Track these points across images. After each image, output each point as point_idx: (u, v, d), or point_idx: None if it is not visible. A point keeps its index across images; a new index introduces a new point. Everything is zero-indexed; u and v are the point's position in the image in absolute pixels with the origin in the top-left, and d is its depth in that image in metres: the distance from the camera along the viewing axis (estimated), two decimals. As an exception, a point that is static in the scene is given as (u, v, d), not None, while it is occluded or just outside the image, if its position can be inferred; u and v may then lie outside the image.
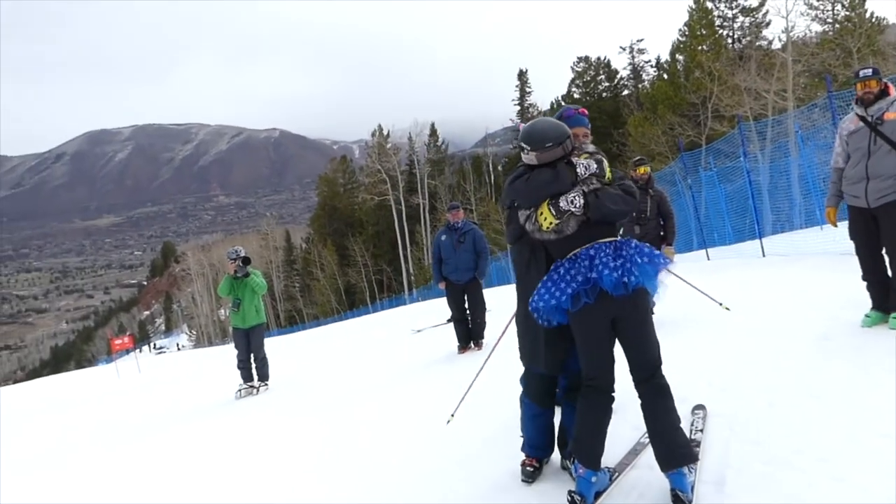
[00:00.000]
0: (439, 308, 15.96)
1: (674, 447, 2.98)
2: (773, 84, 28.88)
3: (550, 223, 3.04)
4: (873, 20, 35.09)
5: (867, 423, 3.38)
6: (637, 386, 3.11)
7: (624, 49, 56.43)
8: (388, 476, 4.20)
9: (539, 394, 3.53)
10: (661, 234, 7.61)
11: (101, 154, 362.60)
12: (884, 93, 4.88)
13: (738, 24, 41.09)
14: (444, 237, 8.51)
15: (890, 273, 5.00)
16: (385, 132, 65.00)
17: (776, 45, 36.84)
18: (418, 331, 13.10)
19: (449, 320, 9.84)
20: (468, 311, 8.49)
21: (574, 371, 3.39)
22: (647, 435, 3.38)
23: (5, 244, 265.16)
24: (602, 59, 57.41)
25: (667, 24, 52.59)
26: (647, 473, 3.30)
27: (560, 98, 56.98)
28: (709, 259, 15.19)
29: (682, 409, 3.16)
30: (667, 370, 3.12)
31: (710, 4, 40.71)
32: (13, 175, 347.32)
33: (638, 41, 57.07)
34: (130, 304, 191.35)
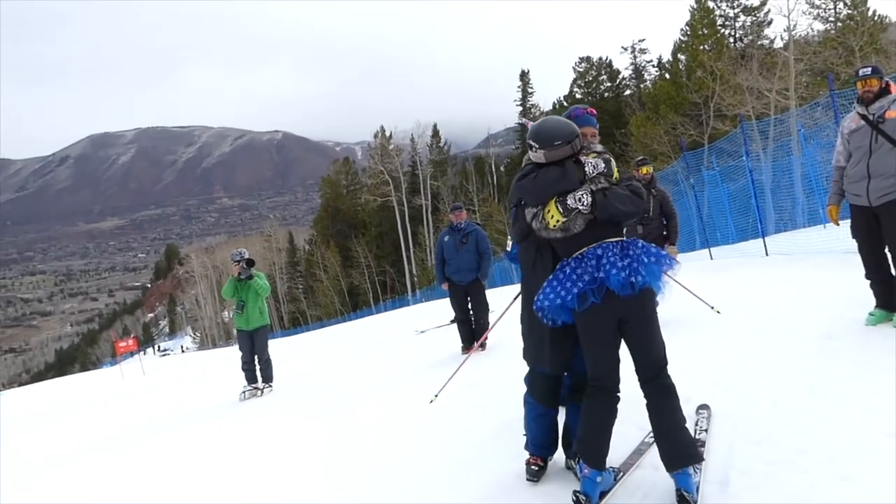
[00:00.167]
0: (442, 309, 15.97)
1: (679, 447, 2.98)
2: (776, 83, 28.85)
3: (557, 221, 3.03)
4: (875, 18, 35.05)
5: (872, 423, 3.37)
6: (642, 386, 3.11)
7: (626, 49, 56.51)
8: (392, 477, 4.21)
9: (543, 393, 3.52)
10: (664, 233, 7.61)
11: (104, 157, 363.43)
12: (885, 91, 4.87)
13: (740, 23, 41.10)
14: (447, 238, 8.50)
15: (893, 271, 4.99)
16: (388, 133, 65.12)
17: (778, 43, 36.86)
18: (422, 332, 13.10)
19: (452, 321, 9.85)
20: (471, 312, 8.49)
21: (579, 371, 3.39)
22: (651, 435, 3.37)
23: (10, 247, 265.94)
24: (604, 59, 57.43)
25: (668, 23, 52.63)
26: (652, 473, 3.30)
27: (562, 98, 56.94)
28: (712, 258, 15.17)
29: (687, 408, 3.15)
30: (671, 370, 3.12)
31: (711, 4, 40.69)
32: (17, 178, 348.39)
33: (640, 41, 57.30)
34: (134, 307, 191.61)
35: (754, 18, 40.45)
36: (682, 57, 42.85)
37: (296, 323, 74.06)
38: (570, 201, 3.00)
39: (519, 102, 62.21)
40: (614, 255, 2.99)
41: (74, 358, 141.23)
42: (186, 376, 18.14)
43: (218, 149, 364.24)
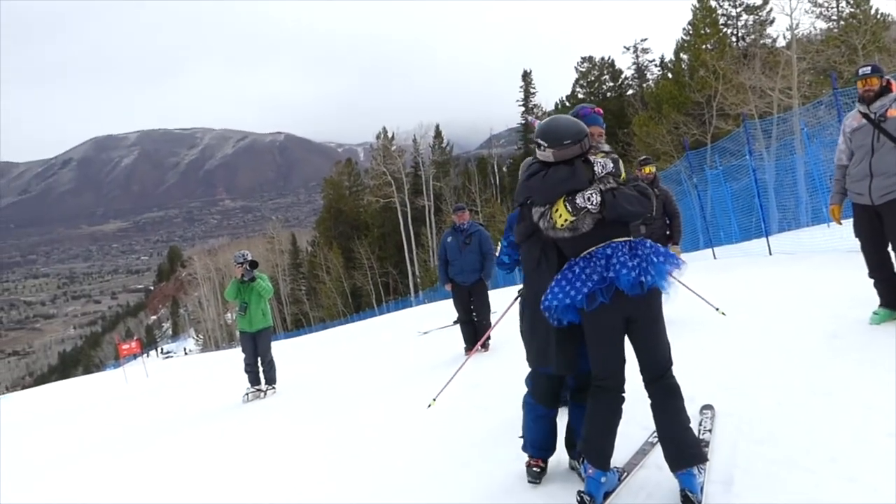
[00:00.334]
0: (445, 310, 15.98)
1: (683, 447, 2.98)
2: (778, 82, 28.82)
3: (566, 220, 3.01)
4: (878, 17, 34.98)
5: (876, 422, 3.36)
6: (647, 386, 3.10)
7: (628, 49, 56.50)
8: (395, 478, 4.21)
9: (545, 394, 3.51)
10: (668, 233, 7.60)
11: (107, 160, 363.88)
12: (886, 89, 4.87)
13: (743, 22, 41.06)
14: (449, 239, 8.51)
15: (897, 270, 4.99)
16: (390, 134, 65.14)
17: (781, 42, 36.88)
18: (424, 333, 13.10)
19: (455, 322, 9.85)
20: (474, 313, 8.49)
21: (583, 371, 3.37)
22: (655, 435, 3.37)
23: (13, 250, 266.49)
24: (606, 59, 57.43)
25: (671, 23, 52.59)
26: (656, 473, 3.30)
27: (565, 98, 56.93)
28: (715, 258, 15.16)
29: (691, 408, 3.14)
30: (675, 370, 3.11)
31: (713, 3, 40.69)
32: (20, 181, 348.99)
33: (642, 41, 57.06)
34: (137, 309, 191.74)
35: (757, 17, 40.42)
36: (684, 56, 42.84)
37: (299, 325, 74.09)
38: (579, 200, 2.98)
39: (521, 102, 62.22)
40: (624, 255, 2.98)
41: (77, 361, 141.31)
42: (190, 378, 18.17)
43: (220, 151, 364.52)
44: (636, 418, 3.71)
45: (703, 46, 39.23)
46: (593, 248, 3.06)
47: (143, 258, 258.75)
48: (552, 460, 3.63)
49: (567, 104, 53.65)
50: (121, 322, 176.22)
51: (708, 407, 4.02)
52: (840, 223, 5.45)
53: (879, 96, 4.86)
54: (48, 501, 5.67)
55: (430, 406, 4.89)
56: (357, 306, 64.28)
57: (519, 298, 4.13)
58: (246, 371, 9.11)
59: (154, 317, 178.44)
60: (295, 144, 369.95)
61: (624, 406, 3.19)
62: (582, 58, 57.53)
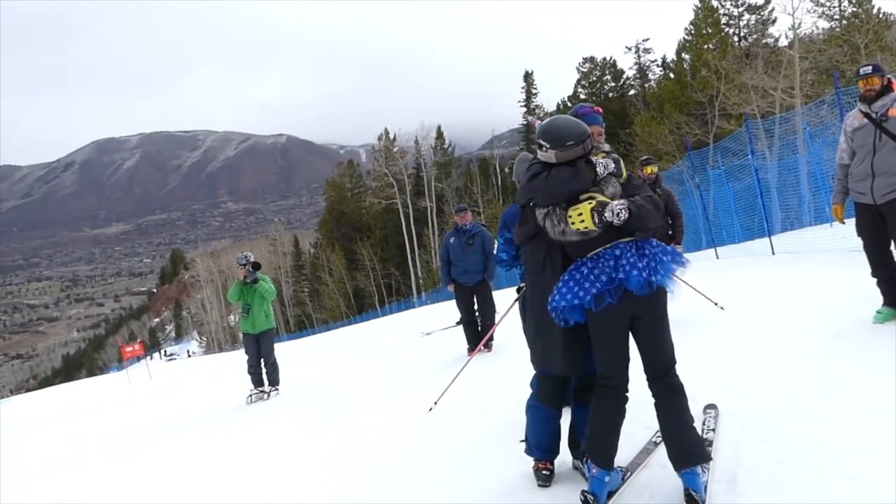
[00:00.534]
0: (448, 311, 15.97)
1: (687, 446, 2.98)
2: (781, 81, 28.74)
3: (587, 227, 2.95)
4: (880, 16, 34.92)
5: (880, 421, 3.36)
6: (651, 385, 3.10)
7: (630, 49, 56.40)
8: (397, 479, 4.21)
9: (550, 395, 3.50)
10: (670, 233, 7.60)
11: (109, 162, 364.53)
12: (887, 89, 4.86)
13: (745, 21, 40.97)
14: (452, 239, 8.51)
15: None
16: (391, 136, 65.09)
17: (783, 42, 36.77)
18: (427, 334, 13.10)
19: (458, 323, 9.85)
20: (477, 313, 8.49)
21: (587, 371, 3.37)
22: (659, 434, 3.37)
23: (16, 254, 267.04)
24: (608, 59, 57.39)
25: (672, 23, 52.57)
26: (660, 473, 3.30)
27: (566, 99, 56.90)
28: (718, 258, 15.14)
29: (694, 408, 3.15)
30: (678, 369, 3.11)
31: (715, 3, 40.58)
32: (23, 185, 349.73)
33: (644, 41, 56.87)
34: (141, 312, 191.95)
35: (758, 17, 40.34)
36: (686, 56, 42.74)
37: (301, 326, 74.15)
38: (607, 215, 2.92)
39: (523, 103, 62.17)
40: (633, 256, 2.97)
41: (81, 363, 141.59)
42: (193, 380, 18.20)
43: (222, 153, 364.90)
44: (640, 417, 3.70)
45: (705, 46, 39.13)
46: (600, 249, 3.05)
47: (146, 261, 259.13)
48: (556, 461, 3.63)
49: (569, 104, 53.55)
50: (124, 325, 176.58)
51: (711, 406, 4.02)
52: (843, 222, 5.45)
53: (881, 96, 4.86)
54: (51, 502, 5.68)
55: (430, 410, 4.88)
56: (360, 308, 64.26)
57: (519, 299, 4.13)
58: (249, 373, 9.13)
59: (157, 319, 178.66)
60: (297, 146, 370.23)
61: (627, 405, 3.19)
62: (584, 58, 57.53)
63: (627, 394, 3.17)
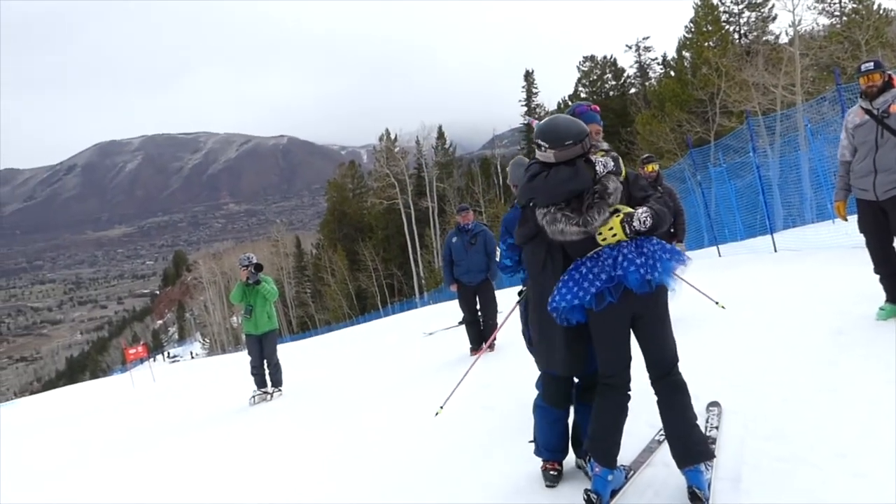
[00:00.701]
0: (450, 311, 15.97)
1: (690, 444, 2.98)
2: (781, 78, 28.71)
3: (619, 240, 2.99)
4: (881, 12, 34.87)
5: (884, 418, 3.36)
6: (654, 383, 3.10)
7: (630, 47, 56.39)
8: (402, 479, 4.22)
9: (556, 395, 3.49)
10: (672, 231, 7.59)
11: (111, 165, 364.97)
12: (888, 85, 4.86)
13: (745, 19, 40.94)
14: (454, 239, 8.52)
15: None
16: (392, 136, 65.13)
17: (783, 39, 36.72)
18: (430, 334, 13.11)
19: (460, 322, 9.85)
20: (480, 313, 8.50)
21: (589, 371, 3.37)
22: (662, 432, 3.37)
23: (19, 256, 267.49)
24: (608, 57, 57.40)
25: (673, 21, 52.55)
26: (663, 471, 3.30)
27: (567, 98, 56.88)
28: (720, 255, 15.12)
29: (697, 405, 3.14)
30: (681, 367, 3.11)
31: (715, 0, 40.57)
32: (25, 188, 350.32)
33: (644, 39, 56.83)
34: (144, 314, 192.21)
35: (759, 14, 40.31)
36: (686, 54, 42.74)
37: (304, 327, 74.18)
38: (636, 224, 2.95)
39: (524, 102, 62.16)
40: (632, 254, 2.96)
41: (85, 366, 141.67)
42: (196, 382, 18.21)
43: (224, 155, 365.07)
44: (642, 416, 3.71)
45: (706, 44, 39.12)
46: (599, 248, 3.05)
47: (149, 263, 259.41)
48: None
49: (570, 103, 53.33)
50: (127, 327, 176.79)
51: (714, 404, 4.02)
52: (845, 219, 5.44)
53: (882, 92, 4.85)
54: (55, 503, 5.71)
55: (437, 414, 4.85)
56: (362, 308, 64.28)
57: (522, 302, 4.11)
58: (252, 374, 9.13)
59: (160, 321, 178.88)
60: (298, 147, 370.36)
61: (630, 404, 3.19)
62: (584, 57, 57.54)
63: (630, 392, 3.17)
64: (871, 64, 4.93)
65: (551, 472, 3.52)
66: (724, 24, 40.79)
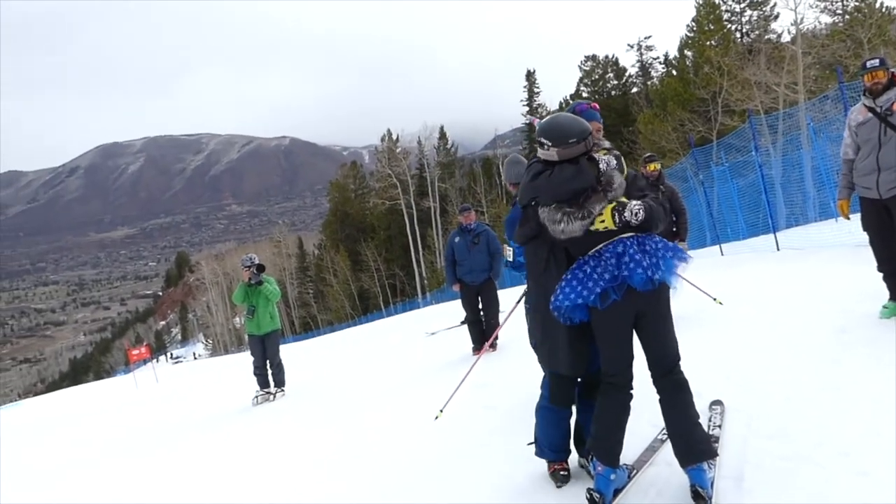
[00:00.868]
0: (453, 310, 15.97)
1: (693, 443, 2.97)
2: (784, 77, 28.68)
3: (606, 227, 2.99)
4: (883, 10, 34.78)
5: (887, 416, 3.35)
6: (656, 382, 3.09)
7: (632, 47, 56.33)
8: (403, 479, 4.21)
9: (562, 396, 3.47)
10: (674, 230, 7.58)
11: (113, 167, 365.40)
12: (892, 83, 4.85)
13: (747, 17, 40.97)
14: (457, 239, 8.52)
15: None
16: (394, 137, 65.18)
17: (785, 37, 36.69)
18: (432, 334, 13.10)
19: (463, 322, 9.85)
20: (482, 312, 8.50)
21: (591, 370, 3.36)
22: (664, 431, 3.36)
23: (22, 258, 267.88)
24: (610, 57, 57.36)
25: (674, 20, 52.51)
26: (666, 470, 3.29)
27: (569, 98, 56.84)
28: (722, 254, 15.11)
29: (699, 404, 3.13)
30: (683, 366, 3.10)
31: (717, -1, 40.59)
32: (28, 190, 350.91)
33: (646, 38, 56.77)
34: (146, 315, 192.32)
35: (761, 13, 40.31)
36: (688, 53, 42.74)
37: (307, 328, 74.24)
38: (626, 215, 2.95)
39: (525, 102, 62.07)
40: (636, 253, 2.96)
41: (88, 367, 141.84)
42: (199, 383, 18.23)
43: (226, 156, 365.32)
44: (645, 415, 3.70)
45: (708, 43, 39.12)
46: (602, 246, 3.04)
47: (151, 264, 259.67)
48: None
49: (572, 103, 53.41)
50: (130, 328, 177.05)
51: (717, 402, 4.01)
52: (848, 218, 5.43)
53: (886, 90, 4.84)
54: (57, 503, 5.71)
55: (437, 418, 4.84)
56: (364, 309, 64.33)
57: (523, 300, 4.11)
58: (255, 374, 9.14)
59: (163, 322, 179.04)
60: (300, 148, 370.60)
61: (633, 402, 3.18)
62: (585, 56, 57.50)
63: (632, 391, 3.16)
64: (877, 61, 4.92)
65: (561, 473, 3.51)
66: (726, 22, 40.80)
